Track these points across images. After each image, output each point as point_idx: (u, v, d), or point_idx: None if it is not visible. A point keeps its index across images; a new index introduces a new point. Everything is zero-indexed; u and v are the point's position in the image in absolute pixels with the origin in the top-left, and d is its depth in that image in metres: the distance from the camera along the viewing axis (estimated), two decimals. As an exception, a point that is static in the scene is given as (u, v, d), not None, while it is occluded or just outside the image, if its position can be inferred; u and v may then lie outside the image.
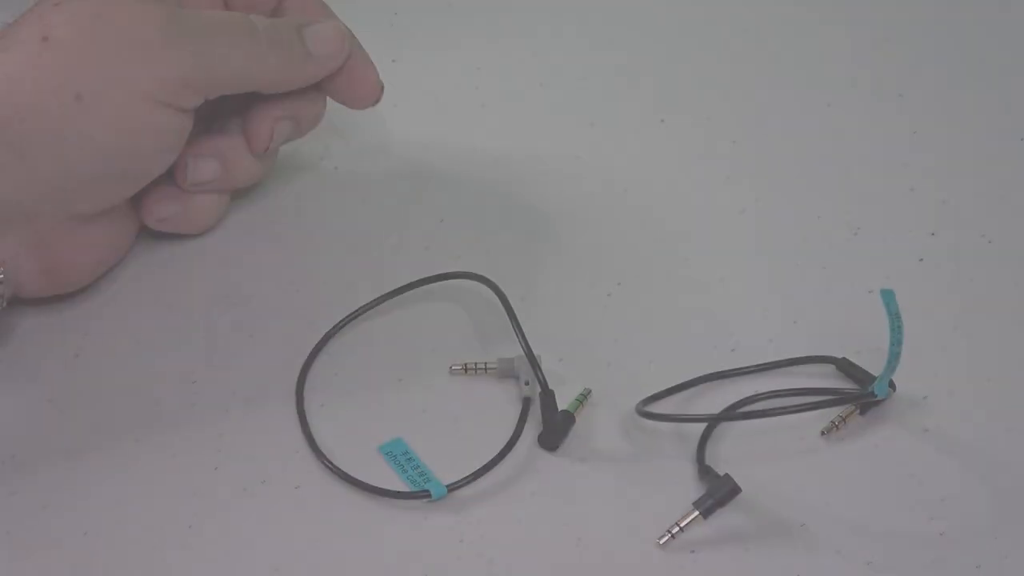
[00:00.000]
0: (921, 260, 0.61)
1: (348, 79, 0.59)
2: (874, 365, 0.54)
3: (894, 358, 0.51)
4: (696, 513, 0.50)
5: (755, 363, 0.56)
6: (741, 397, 0.55)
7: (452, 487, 0.52)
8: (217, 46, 0.54)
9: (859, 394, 0.54)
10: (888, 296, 0.50)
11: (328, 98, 0.60)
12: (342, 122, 0.65)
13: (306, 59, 0.57)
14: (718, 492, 0.50)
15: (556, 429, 0.53)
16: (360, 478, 0.52)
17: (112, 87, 0.52)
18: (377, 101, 0.60)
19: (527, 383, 0.54)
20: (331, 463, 0.53)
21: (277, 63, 0.56)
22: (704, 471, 0.52)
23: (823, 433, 0.54)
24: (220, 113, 0.58)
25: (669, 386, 0.55)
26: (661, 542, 0.50)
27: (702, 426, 0.53)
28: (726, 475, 0.50)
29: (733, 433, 0.54)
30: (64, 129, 0.52)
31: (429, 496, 0.51)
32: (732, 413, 0.54)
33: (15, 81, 0.51)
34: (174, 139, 0.55)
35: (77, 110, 0.52)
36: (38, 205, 0.53)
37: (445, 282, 0.58)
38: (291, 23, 0.57)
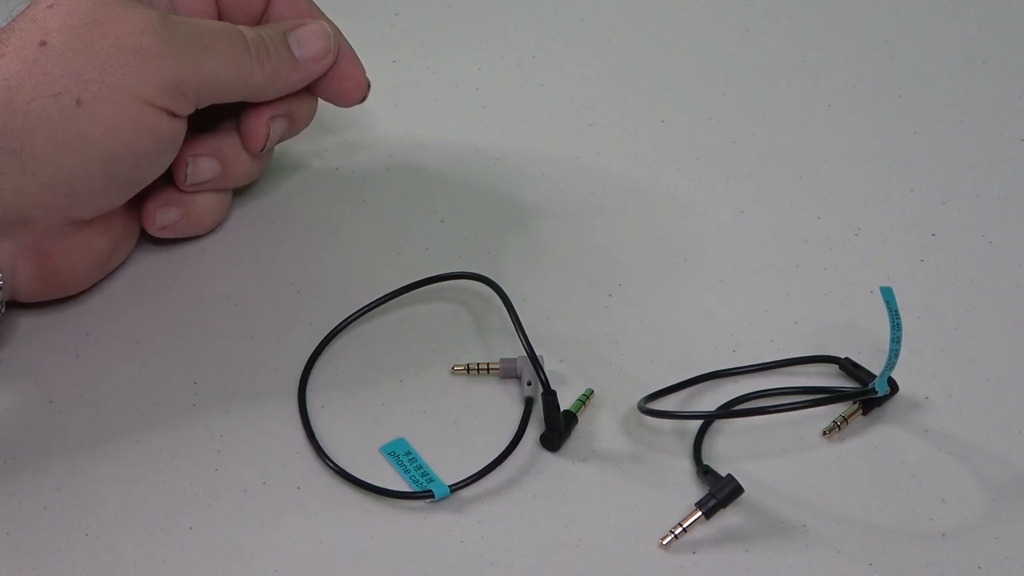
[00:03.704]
0: (922, 261, 0.61)
1: (334, 77, 0.59)
2: (875, 366, 0.54)
3: (894, 355, 0.51)
4: (699, 514, 0.50)
5: (757, 363, 0.56)
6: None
7: (455, 487, 0.51)
8: (209, 58, 0.54)
9: (858, 392, 0.54)
10: (887, 293, 0.50)
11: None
12: (342, 123, 0.65)
13: (293, 66, 0.57)
14: (721, 492, 0.50)
15: (558, 430, 0.53)
16: (361, 479, 0.52)
17: (111, 91, 0.52)
18: (363, 99, 0.60)
19: (529, 383, 0.54)
20: (333, 463, 0.52)
21: (265, 75, 0.56)
22: (703, 470, 0.52)
23: (824, 433, 0.54)
24: (214, 113, 0.58)
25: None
26: (664, 543, 0.50)
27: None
28: (729, 475, 0.51)
29: (734, 433, 0.54)
30: (65, 134, 0.52)
31: (432, 496, 0.51)
32: (731, 410, 0.54)
33: (15, 88, 0.51)
34: (170, 143, 0.55)
35: (77, 114, 0.52)
36: (37, 211, 0.53)
37: (446, 282, 0.58)
38: (277, 29, 0.57)
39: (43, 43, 0.52)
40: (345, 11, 0.61)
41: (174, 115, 0.54)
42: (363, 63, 0.60)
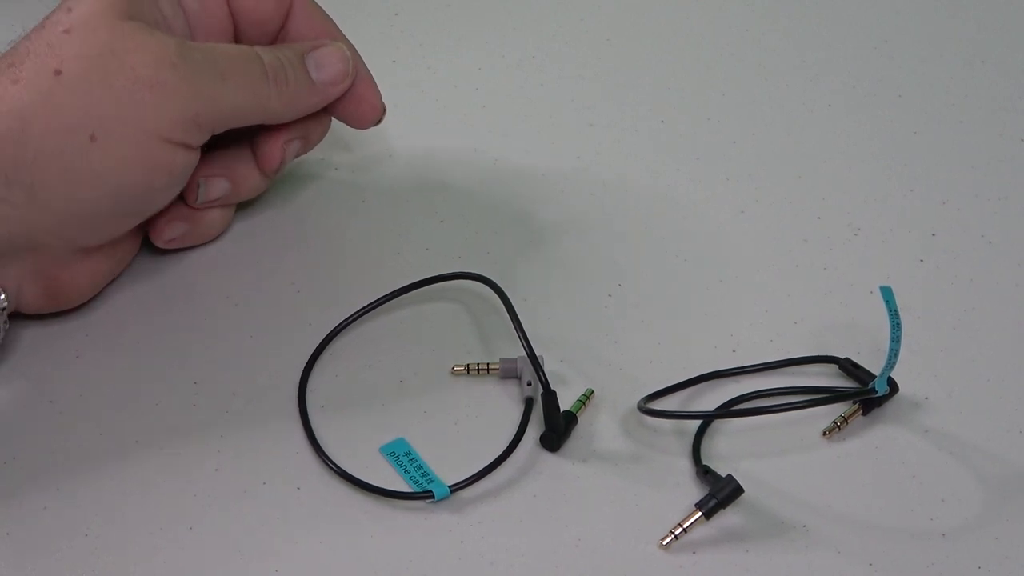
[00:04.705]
0: (921, 261, 0.61)
1: (351, 99, 0.59)
2: (875, 366, 0.54)
3: (893, 354, 0.51)
4: (699, 514, 0.50)
5: (756, 363, 0.56)
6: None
7: (455, 488, 0.51)
8: (226, 87, 0.54)
9: (857, 391, 0.54)
10: (887, 292, 0.50)
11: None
12: (341, 124, 0.65)
13: (310, 89, 0.57)
14: (721, 493, 0.50)
15: (558, 430, 0.53)
16: (361, 479, 0.52)
17: (126, 127, 0.51)
18: (378, 122, 0.60)
19: (529, 384, 0.54)
20: (333, 463, 0.52)
21: (283, 100, 0.56)
22: (703, 471, 0.52)
23: (824, 433, 0.54)
24: (226, 131, 0.58)
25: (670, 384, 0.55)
26: (664, 543, 0.50)
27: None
28: (728, 476, 0.51)
29: (734, 433, 0.54)
30: (77, 169, 0.51)
31: (432, 497, 0.51)
32: (731, 410, 0.54)
33: (27, 120, 0.50)
34: (183, 175, 0.55)
35: (91, 150, 0.51)
36: (45, 239, 0.53)
37: (446, 283, 0.58)
38: (295, 51, 0.57)
39: (58, 72, 0.51)
40: (345, 11, 0.61)
41: (188, 147, 0.54)
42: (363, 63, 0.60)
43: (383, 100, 0.59)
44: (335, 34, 0.59)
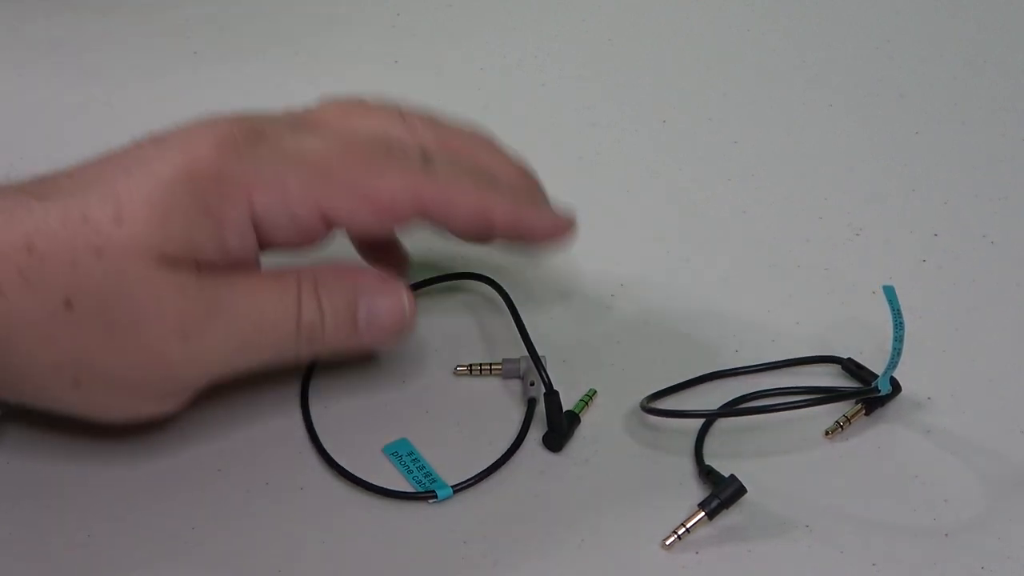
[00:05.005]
0: (924, 261, 0.61)
1: (520, 240, 0.53)
2: (877, 367, 0.54)
3: (896, 354, 0.51)
4: (702, 514, 0.50)
5: (759, 363, 0.56)
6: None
7: (458, 488, 0.51)
8: (244, 355, 0.49)
9: (860, 391, 0.54)
10: (890, 292, 0.50)
11: None
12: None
13: (349, 339, 0.50)
14: (724, 493, 0.50)
15: (561, 430, 0.53)
16: (364, 479, 0.52)
17: (115, 383, 0.48)
18: (565, 237, 0.53)
19: (532, 384, 0.54)
20: (336, 463, 0.52)
21: (311, 352, 0.50)
22: (705, 471, 0.52)
23: (827, 433, 0.54)
24: None
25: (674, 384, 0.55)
26: (667, 543, 0.50)
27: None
28: (731, 476, 0.50)
29: (736, 432, 0.54)
30: (52, 400, 0.48)
31: (435, 497, 0.51)
32: (733, 409, 0.54)
33: (15, 336, 0.46)
34: (171, 415, 0.51)
35: (70, 393, 0.47)
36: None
37: (449, 283, 0.58)
38: (347, 299, 0.50)
39: (68, 304, 0.46)
40: (347, 11, 0.61)
41: (182, 400, 0.50)
42: (365, 63, 0.59)
43: (560, 217, 0.53)
44: (492, 199, 0.51)
